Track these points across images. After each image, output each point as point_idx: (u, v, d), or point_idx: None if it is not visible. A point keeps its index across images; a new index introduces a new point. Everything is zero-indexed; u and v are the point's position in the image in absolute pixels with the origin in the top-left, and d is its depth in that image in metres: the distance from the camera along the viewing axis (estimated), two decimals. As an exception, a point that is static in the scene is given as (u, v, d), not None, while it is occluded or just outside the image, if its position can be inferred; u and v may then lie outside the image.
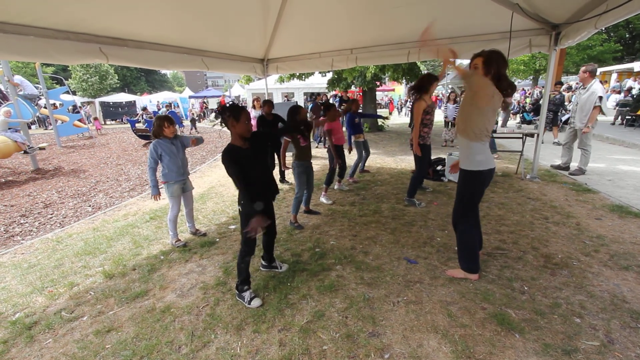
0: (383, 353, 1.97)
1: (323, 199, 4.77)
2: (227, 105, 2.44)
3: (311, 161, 3.92)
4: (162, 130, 3.35)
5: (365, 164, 6.36)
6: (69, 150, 10.58)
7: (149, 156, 3.36)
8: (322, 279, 2.79)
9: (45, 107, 12.52)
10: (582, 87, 5.71)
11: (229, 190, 5.63)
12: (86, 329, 2.33)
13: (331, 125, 4.66)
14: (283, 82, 11.89)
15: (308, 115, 10.31)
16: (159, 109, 22.16)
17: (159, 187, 3.44)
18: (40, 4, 2.95)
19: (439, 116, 12.59)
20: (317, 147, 9.38)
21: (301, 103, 14.46)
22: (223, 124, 2.39)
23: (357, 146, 5.65)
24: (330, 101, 14.91)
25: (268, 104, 5.48)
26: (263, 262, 2.97)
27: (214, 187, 5.97)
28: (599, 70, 19.19)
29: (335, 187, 5.33)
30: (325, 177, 4.79)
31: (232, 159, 2.29)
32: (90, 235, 4.04)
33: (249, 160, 2.38)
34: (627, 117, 11.10)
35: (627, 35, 25.55)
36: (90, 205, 5.32)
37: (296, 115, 3.61)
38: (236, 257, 3.21)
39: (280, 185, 5.75)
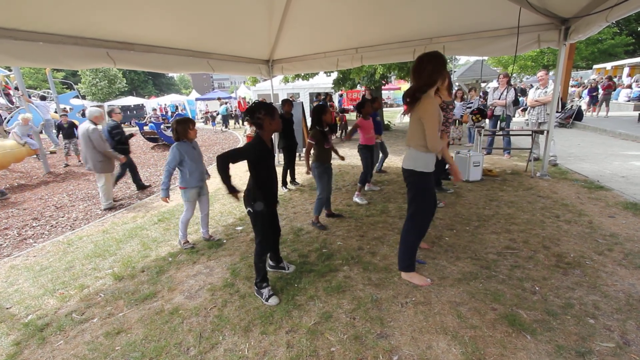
0: (391, 355, 1.95)
1: (357, 199, 4.71)
2: (256, 104, 2.45)
3: (331, 162, 3.85)
4: (187, 133, 3.30)
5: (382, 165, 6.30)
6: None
7: (170, 158, 3.25)
8: (330, 279, 2.78)
9: (55, 112, 12.79)
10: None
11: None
12: (96, 331, 2.35)
13: (362, 122, 4.55)
14: (288, 82, 11.90)
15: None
16: (166, 112, 22.39)
17: (170, 188, 3.42)
18: (48, 10, 3.00)
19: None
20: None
21: (306, 104, 14.44)
22: (253, 125, 2.41)
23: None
24: (336, 101, 14.87)
25: (288, 103, 5.64)
26: (270, 263, 2.97)
27: (221, 188, 6.00)
28: (610, 64, 18.83)
29: (366, 188, 5.23)
30: (360, 177, 4.73)
31: (263, 154, 2.38)
32: (100, 237, 4.09)
33: (271, 160, 2.51)
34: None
35: None
36: (100, 208, 5.39)
37: (322, 114, 3.58)
38: (243, 258, 3.25)
39: (290, 186, 5.76)
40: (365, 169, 4.66)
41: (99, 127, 4.98)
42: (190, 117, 20.92)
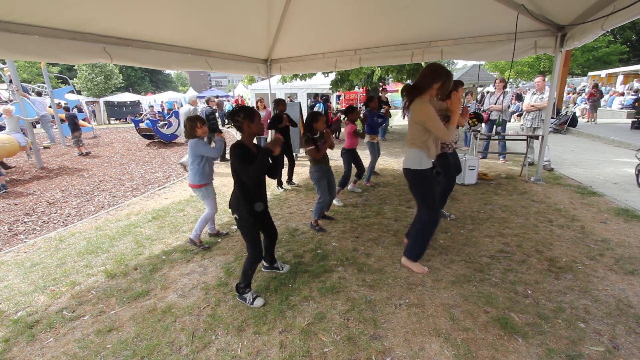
0: (384, 356, 1.95)
1: (335, 201, 4.70)
2: (237, 107, 2.45)
3: (329, 164, 3.81)
4: (195, 132, 3.31)
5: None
6: (73, 150, 10.64)
7: (203, 150, 3.33)
8: (324, 280, 2.78)
9: (50, 107, 12.63)
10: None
11: (231, 190, 5.63)
12: (87, 329, 2.33)
13: (353, 127, 4.66)
14: (285, 82, 11.89)
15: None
16: (162, 109, 22.25)
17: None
18: (45, 4, 2.97)
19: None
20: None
21: (304, 104, 14.43)
22: (235, 127, 2.42)
23: (370, 147, 5.57)
24: (334, 102, 14.88)
25: (281, 102, 5.61)
26: (264, 263, 2.96)
27: (216, 187, 5.96)
28: (605, 71, 19.06)
29: (349, 187, 5.26)
30: (340, 180, 4.73)
31: (245, 157, 2.32)
32: (92, 234, 4.05)
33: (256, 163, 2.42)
34: (633, 119, 10.97)
35: (634, 37, 25.31)
36: (93, 205, 5.34)
37: (313, 122, 3.60)
38: (238, 257, 3.23)
39: (286, 186, 5.74)
40: (347, 172, 4.80)
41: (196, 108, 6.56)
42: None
